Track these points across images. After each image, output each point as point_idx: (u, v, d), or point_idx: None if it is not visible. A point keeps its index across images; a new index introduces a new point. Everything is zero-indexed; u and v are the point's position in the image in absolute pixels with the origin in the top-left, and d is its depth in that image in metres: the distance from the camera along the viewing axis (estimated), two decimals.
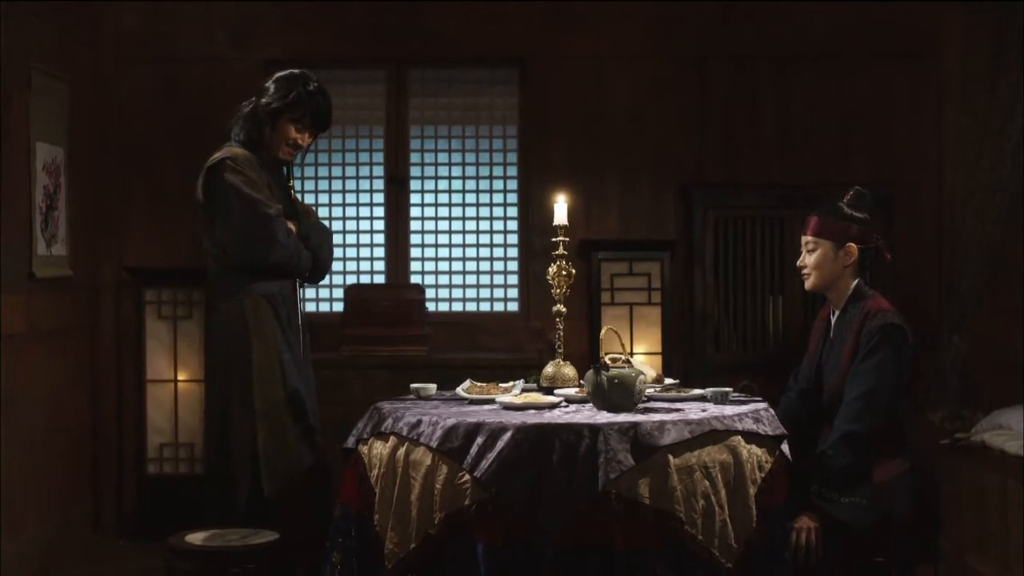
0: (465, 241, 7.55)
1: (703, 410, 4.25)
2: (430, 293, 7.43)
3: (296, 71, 5.20)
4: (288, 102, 5.03)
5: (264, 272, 4.86)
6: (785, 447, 4.26)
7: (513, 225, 7.54)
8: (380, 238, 7.51)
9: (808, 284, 4.66)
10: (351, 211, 7.54)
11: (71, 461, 6.91)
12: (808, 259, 4.63)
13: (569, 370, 4.73)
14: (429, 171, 7.54)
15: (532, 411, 4.20)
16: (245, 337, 4.81)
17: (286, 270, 4.92)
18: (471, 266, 7.56)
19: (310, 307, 7.30)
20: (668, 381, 4.89)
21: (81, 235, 6.94)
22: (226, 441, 4.80)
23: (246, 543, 4.33)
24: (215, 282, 4.96)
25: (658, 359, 7.01)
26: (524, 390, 4.61)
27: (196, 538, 4.38)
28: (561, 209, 4.76)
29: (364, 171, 7.55)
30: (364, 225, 7.54)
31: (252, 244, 4.83)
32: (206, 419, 5.16)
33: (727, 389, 4.52)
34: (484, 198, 7.55)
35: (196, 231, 5.15)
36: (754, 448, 4.12)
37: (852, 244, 4.57)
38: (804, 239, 4.67)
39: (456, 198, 7.54)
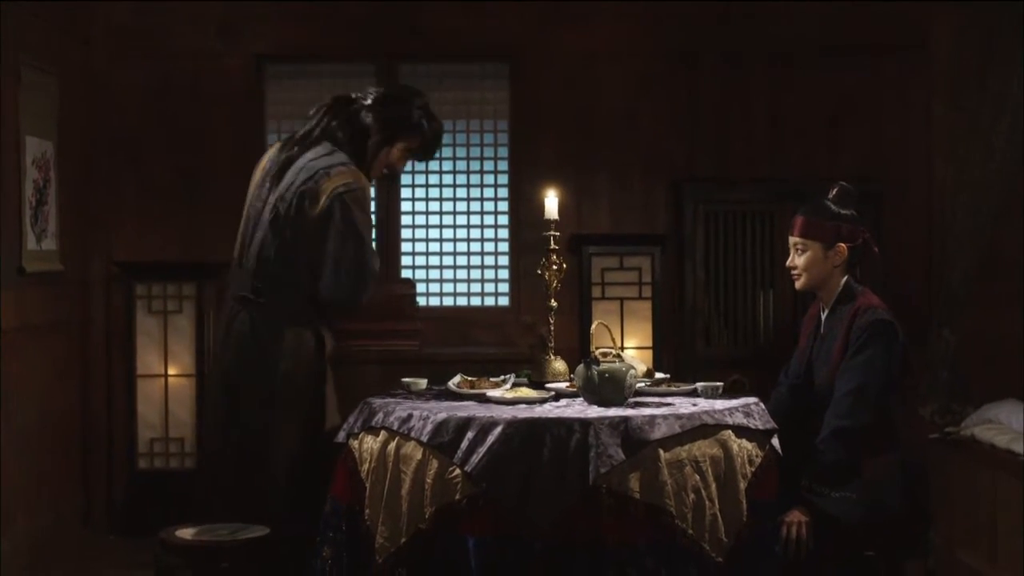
0: (456, 236, 7.55)
1: (693, 404, 4.25)
2: (421, 288, 7.43)
3: (410, 87, 4.90)
4: (409, 125, 4.72)
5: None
6: (775, 441, 4.26)
7: (504, 220, 7.55)
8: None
9: (799, 285, 4.66)
10: None
11: (61, 456, 6.91)
12: (798, 260, 4.62)
13: (560, 364, 4.73)
14: (419, 165, 7.52)
15: (523, 405, 4.20)
16: (317, 376, 4.60)
17: None
18: (462, 261, 7.56)
19: None
20: (658, 375, 4.90)
21: (71, 230, 6.93)
22: (264, 455, 4.53)
23: (237, 538, 4.32)
24: (280, 300, 4.56)
25: (649, 353, 7.02)
26: (515, 384, 4.61)
27: (186, 533, 4.37)
28: (552, 203, 4.76)
29: None
30: None
31: (352, 291, 4.53)
32: (233, 425, 4.62)
33: (718, 383, 4.53)
34: (475, 193, 7.55)
35: (262, 236, 4.65)
36: (744, 442, 4.13)
37: (842, 244, 4.56)
38: (792, 240, 4.65)
39: (447, 193, 7.54)
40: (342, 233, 4.50)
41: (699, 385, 4.53)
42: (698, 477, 3.96)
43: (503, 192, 7.54)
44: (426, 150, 4.84)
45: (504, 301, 7.56)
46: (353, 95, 4.80)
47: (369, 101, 4.74)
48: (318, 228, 4.51)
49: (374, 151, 4.72)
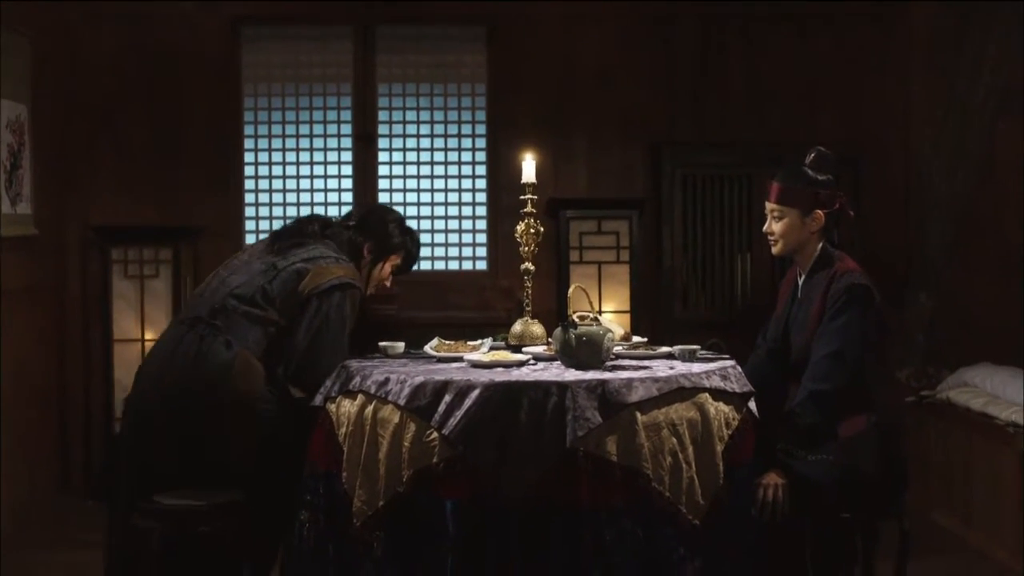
0: (433, 199, 7.54)
1: (671, 368, 4.25)
2: None
3: (381, 206, 5.13)
4: (394, 243, 4.82)
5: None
6: (752, 404, 4.27)
7: (481, 183, 7.54)
8: (348, 196, 7.48)
9: (776, 250, 4.64)
10: (319, 169, 7.52)
11: (38, 421, 6.89)
12: (775, 226, 4.60)
13: (537, 328, 4.72)
14: (397, 129, 7.52)
15: (500, 369, 4.19)
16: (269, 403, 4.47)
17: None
18: (439, 224, 7.55)
19: None
20: (636, 339, 4.89)
21: (46, 193, 6.89)
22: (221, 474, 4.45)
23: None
24: (235, 329, 4.44)
25: (626, 317, 7.03)
26: (492, 348, 4.60)
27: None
28: (529, 167, 4.74)
29: (332, 129, 7.52)
30: (332, 183, 7.52)
31: (313, 375, 4.43)
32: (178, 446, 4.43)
33: (695, 347, 4.53)
34: (452, 156, 7.54)
35: (265, 291, 4.51)
36: (721, 405, 4.13)
37: (819, 210, 4.55)
38: (769, 206, 4.62)
39: (424, 156, 7.53)
40: (329, 319, 4.50)
41: (676, 348, 4.53)
42: (675, 440, 3.96)
43: (480, 156, 7.53)
44: (409, 263, 4.96)
45: (482, 265, 7.56)
46: (332, 218, 4.87)
47: (354, 222, 4.83)
48: (311, 299, 4.50)
49: (369, 268, 4.80)
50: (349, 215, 4.90)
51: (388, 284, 4.94)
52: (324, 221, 4.83)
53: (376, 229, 4.82)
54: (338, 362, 4.40)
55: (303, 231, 4.73)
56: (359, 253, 4.78)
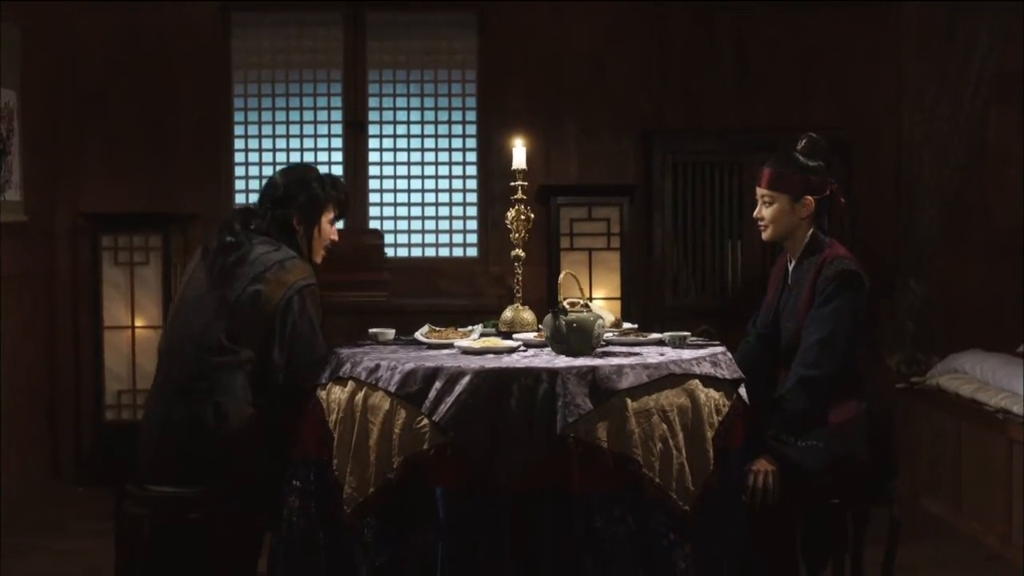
0: (424, 186, 7.53)
1: (661, 354, 4.25)
2: (389, 238, 7.41)
3: (297, 167, 4.98)
4: (321, 201, 4.70)
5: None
6: (743, 391, 4.27)
7: (472, 170, 7.53)
8: None
9: (766, 236, 4.65)
10: (309, 155, 7.51)
11: (29, 408, 6.88)
12: (765, 212, 4.60)
13: (528, 315, 4.71)
14: (388, 115, 7.50)
15: (490, 355, 4.19)
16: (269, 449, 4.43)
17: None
18: (430, 211, 7.55)
19: None
20: (626, 326, 4.89)
21: (36, 180, 6.87)
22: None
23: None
24: (221, 384, 4.37)
25: (617, 304, 7.03)
26: (483, 335, 4.60)
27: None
28: (519, 153, 4.73)
29: (322, 115, 7.51)
30: (322, 170, 7.45)
31: (303, 379, 4.38)
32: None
33: (685, 333, 4.53)
34: (443, 143, 7.53)
35: (213, 313, 4.43)
36: (712, 392, 4.13)
37: (809, 197, 4.55)
38: (760, 192, 4.63)
39: (415, 143, 7.52)
40: (297, 327, 4.42)
41: (667, 335, 4.53)
42: (665, 426, 3.96)
43: (471, 142, 7.52)
44: (344, 209, 4.88)
45: (472, 252, 7.55)
46: (252, 206, 4.75)
47: (278, 196, 4.68)
48: (275, 318, 4.41)
49: (308, 237, 4.69)
50: (269, 191, 4.72)
51: (335, 239, 4.81)
52: (244, 216, 4.66)
53: (297, 195, 4.67)
54: (320, 358, 4.36)
55: (232, 245, 4.54)
56: (291, 229, 4.65)
